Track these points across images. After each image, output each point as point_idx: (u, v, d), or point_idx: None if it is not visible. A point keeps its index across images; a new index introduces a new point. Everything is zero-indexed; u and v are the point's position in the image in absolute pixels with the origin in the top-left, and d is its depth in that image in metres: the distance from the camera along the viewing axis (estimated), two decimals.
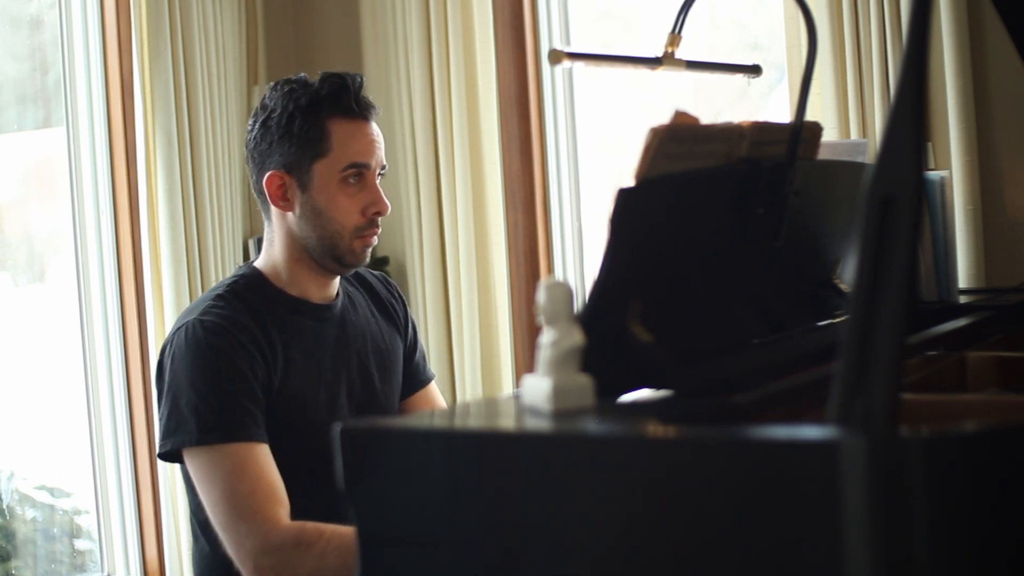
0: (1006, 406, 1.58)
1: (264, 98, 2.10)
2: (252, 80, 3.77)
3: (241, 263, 3.65)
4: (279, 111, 2.05)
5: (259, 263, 2.14)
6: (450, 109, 3.57)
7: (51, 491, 3.61)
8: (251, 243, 3.71)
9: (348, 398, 2.12)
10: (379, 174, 2.10)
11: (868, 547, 1.06)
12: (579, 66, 2.09)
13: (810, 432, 1.13)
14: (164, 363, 2.02)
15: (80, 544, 3.61)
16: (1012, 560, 1.11)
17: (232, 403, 1.95)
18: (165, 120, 3.40)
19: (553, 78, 3.63)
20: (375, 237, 2.09)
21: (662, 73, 1.96)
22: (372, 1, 3.72)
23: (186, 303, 3.40)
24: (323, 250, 2.07)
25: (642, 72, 1.96)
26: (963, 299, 2.32)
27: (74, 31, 3.45)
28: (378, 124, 2.11)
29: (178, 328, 2.02)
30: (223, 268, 3.55)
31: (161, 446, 1.98)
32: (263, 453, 1.95)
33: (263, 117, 2.08)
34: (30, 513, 3.57)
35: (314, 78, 2.08)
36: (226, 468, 1.92)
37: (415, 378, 2.30)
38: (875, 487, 1.06)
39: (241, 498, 1.91)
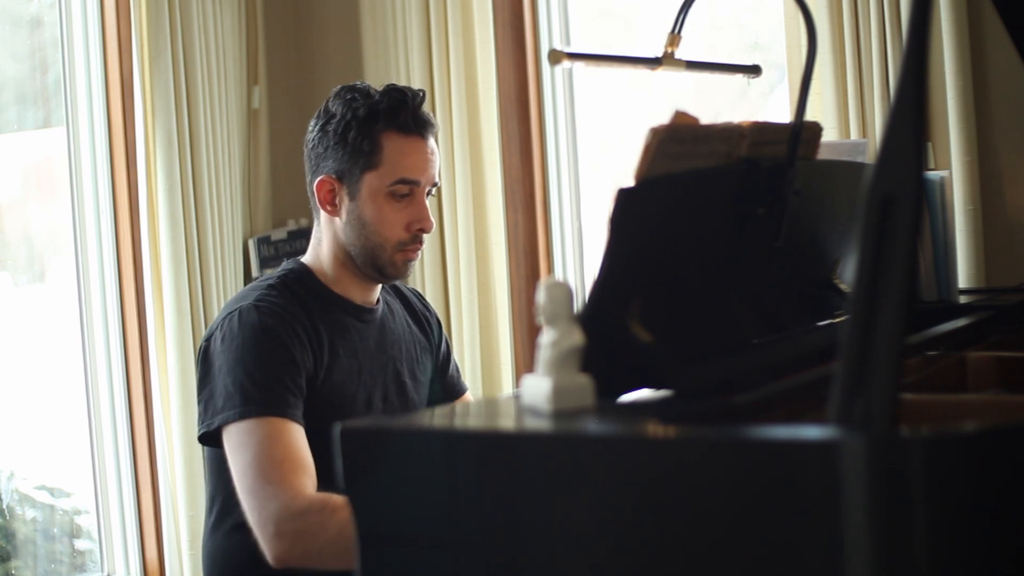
0: (1006, 406, 1.58)
1: (328, 101, 2.13)
2: (252, 80, 3.77)
3: (241, 263, 3.66)
4: (337, 118, 2.09)
5: (306, 259, 2.17)
6: (450, 109, 3.57)
7: (51, 491, 3.60)
8: (251, 243, 3.71)
9: (383, 401, 2.15)
10: (429, 192, 2.13)
11: (868, 547, 1.06)
12: (579, 66, 2.09)
13: (810, 432, 1.13)
14: (212, 347, 2.03)
15: (80, 544, 3.61)
16: (1012, 560, 1.11)
17: (277, 382, 1.97)
18: (165, 120, 3.40)
19: (553, 78, 3.63)
20: (418, 253, 2.13)
21: (662, 73, 1.96)
22: (372, 1, 3.72)
23: (186, 303, 3.40)
24: (365, 259, 2.11)
25: (642, 72, 1.96)
26: (963, 299, 2.32)
27: (74, 31, 3.45)
28: (436, 141, 2.14)
29: (229, 312, 2.04)
30: (223, 268, 3.55)
31: (207, 425, 1.99)
32: (299, 431, 1.97)
33: (323, 121, 2.12)
34: (30, 513, 3.57)
35: (377, 88, 2.11)
36: (260, 435, 1.93)
37: (451, 391, 2.34)
38: (875, 487, 1.06)
39: (271, 463, 1.91)
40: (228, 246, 3.58)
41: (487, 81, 3.54)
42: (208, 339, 2.06)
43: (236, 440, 1.96)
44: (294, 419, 1.96)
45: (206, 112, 3.51)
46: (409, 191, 2.09)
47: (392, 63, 3.66)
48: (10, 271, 3.60)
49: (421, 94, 2.12)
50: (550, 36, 3.63)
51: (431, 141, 2.12)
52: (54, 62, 3.51)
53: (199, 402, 2.04)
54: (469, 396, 2.40)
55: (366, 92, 2.11)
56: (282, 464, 1.91)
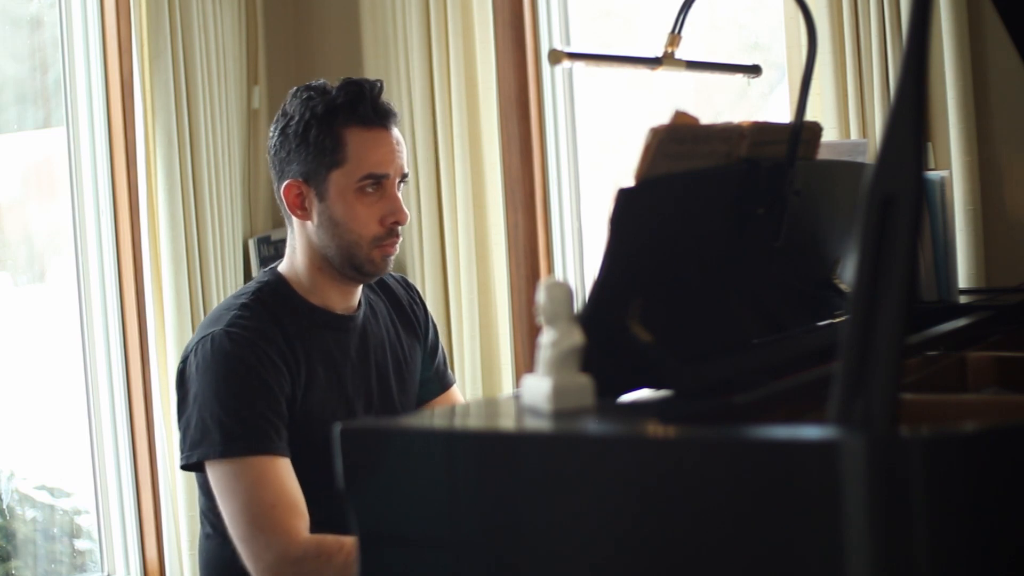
0: (1006, 406, 1.58)
1: (285, 104, 2.08)
2: (252, 80, 3.77)
3: (241, 263, 3.66)
4: (296, 119, 2.04)
5: (282, 268, 2.12)
6: (450, 109, 3.57)
7: (51, 491, 3.60)
8: (251, 243, 3.71)
9: (366, 410, 2.11)
10: (400, 182, 2.08)
11: (868, 547, 1.06)
12: (579, 66, 2.09)
13: (810, 432, 1.13)
14: (188, 372, 2.00)
15: (80, 544, 3.61)
16: (1012, 560, 1.11)
17: (257, 416, 1.94)
18: (165, 120, 3.40)
19: (553, 78, 3.63)
20: (396, 246, 2.07)
21: (662, 73, 1.96)
22: (372, 1, 3.72)
23: (186, 303, 3.40)
24: (342, 260, 2.06)
25: (642, 72, 1.96)
26: (963, 299, 2.32)
27: (74, 31, 3.45)
28: (399, 129, 2.09)
29: (203, 337, 2.00)
30: (223, 268, 3.55)
31: (187, 458, 1.97)
32: (285, 466, 1.94)
33: (282, 124, 2.06)
34: (30, 513, 3.57)
35: (334, 84, 2.06)
36: (248, 480, 1.91)
37: (437, 381, 2.30)
38: (875, 487, 1.06)
39: (262, 510, 1.90)
40: (228, 246, 3.58)
41: (487, 81, 3.54)
42: (184, 362, 2.02)
43: (223, 482, 1.94)
44: (279, 452, 1.94)
45: (206, 112, 3.51)
46: (379, 185, 2.04)
47: (392, 63, 3.66)
48: (10, 271, 3.60)
49: (379, 84, 2.06)
50: (550, 36, 3.63)
51: (395, 131, 2.06)
52: (54, 62, 3.51)
53: (179, 428, 2.01)
54: (456, 391, 2.35)
55: (322, 89, 2.05)
56: (273, 510, 1.90)
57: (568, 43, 3.63)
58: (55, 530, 3.61)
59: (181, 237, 3.42)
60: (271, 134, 2.09)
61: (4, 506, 3.50)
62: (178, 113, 3.43)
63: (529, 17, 3.60)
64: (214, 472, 1.95)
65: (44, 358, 3.65)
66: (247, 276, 3.67)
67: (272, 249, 3.73)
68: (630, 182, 1.42)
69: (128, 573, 3.50)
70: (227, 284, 3.55)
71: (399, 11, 3.63)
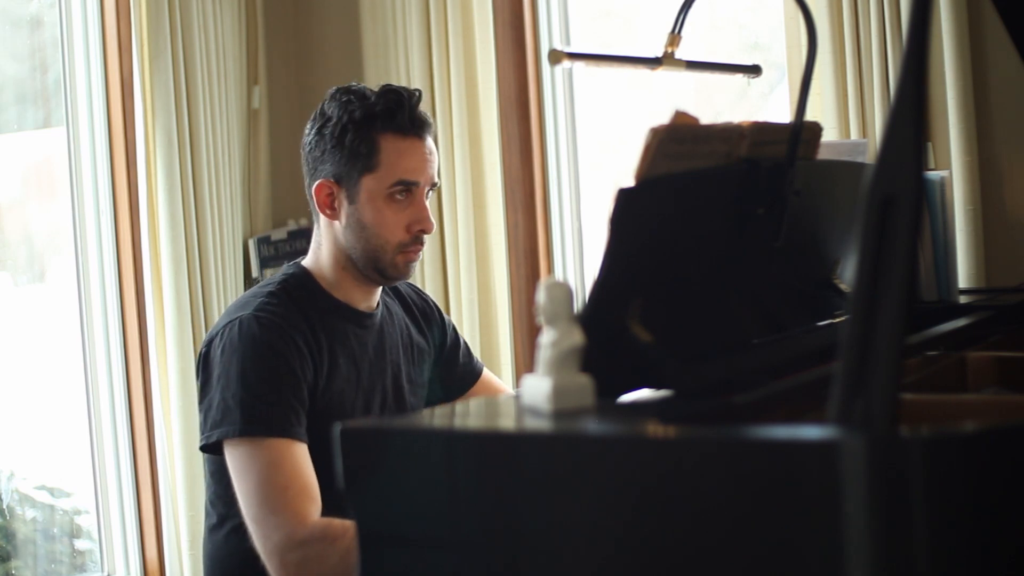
0: (1006, 406, 1.58)
1: (323, 104, 2.12)
2: (252, 80, 3.77)
3: (241, 263, 3.66)
4: (334, 120, 2.08)
5: (307, 263, 2.16)
6: (450, 109, 3.57)
7: (51, 491, 3.60)
8: (251, 243, 3.71)
9: (382, 406, 2.15)
10: (429, 191, 2.12)
11: (868, 547, 1.06)
12: (579, 66, 2.09)
13: (810, 432, 1.13)
14: (212, 355, 2.03)
15: (80, 544, 3.61)
16: (1012, 560, 1.11)
17: (279, 399, 1.97)
18: (165, 120, 3.40)
19: (553, 78, 3.63)
20: (419, 254, 2.12)
21: (662, 73, 1.96)
22: (372, 1, 3.72)
23: (186, 303, 3.40)
24: (366, 262, 2.10)
25: (642, 72, 1.96)
26: (963, 299, 2.32)
27: (74, 31, 3.45)
28: (434, 140, 2.14)
29: (230, 321, 2.03)
30: (223, 268, 3.55)
31: (206, 437, 2.00)
32: (302, 451, 1.97)
33: (319, 124, 2.10)
34: (30, 513, 3.57)
35: (374, 89, 2.10)
36: (264, 460, 1.94)
37: (469, 373, 2.34)
38: (875, 487, 1.06)
39: (275, 491, 1.92)
40: (228, 246, 3.58)
41: (487, 81, 3.54)
42: (208, 345, 2.05)
43: (239, 461, 1.96)
44: (297, 437, 1.96)
45: (206, 112, 3.51)
46: (408, 192, 2.08)
47: (392, 63, 3.66)
48: (10, 271, 3.60)
49: (417, 94, 2.11)
50: (550, 36, 3.63)
51: (429, 141, 2.11)
52: (54, 62, 3.51)
53: (200, 411, 2.04)
54: (489, 374, 2.39)
55: (362, 94, 2.09)
56: (286, 491, 1.92)
57: (568, 43, 3.63)
58: (55, 530, 3.61)
59: (181, 237, 3.42)
60: (307, 131, 2.13)
61: (4, 506, 3.50)
62: (178, 113, 3.43)
63: (529, 17, 3.60)
64: (231, 452, 1.97)
65: (44, 358, 3.65)
66: (247, 276, 3.67)
67: (272, 249, 3.73)
68: (630, 182, 1.42)
69: (128, 573, 3.50)
70: (227, 284, 3.55)
71: (399, 11, 3.63)
